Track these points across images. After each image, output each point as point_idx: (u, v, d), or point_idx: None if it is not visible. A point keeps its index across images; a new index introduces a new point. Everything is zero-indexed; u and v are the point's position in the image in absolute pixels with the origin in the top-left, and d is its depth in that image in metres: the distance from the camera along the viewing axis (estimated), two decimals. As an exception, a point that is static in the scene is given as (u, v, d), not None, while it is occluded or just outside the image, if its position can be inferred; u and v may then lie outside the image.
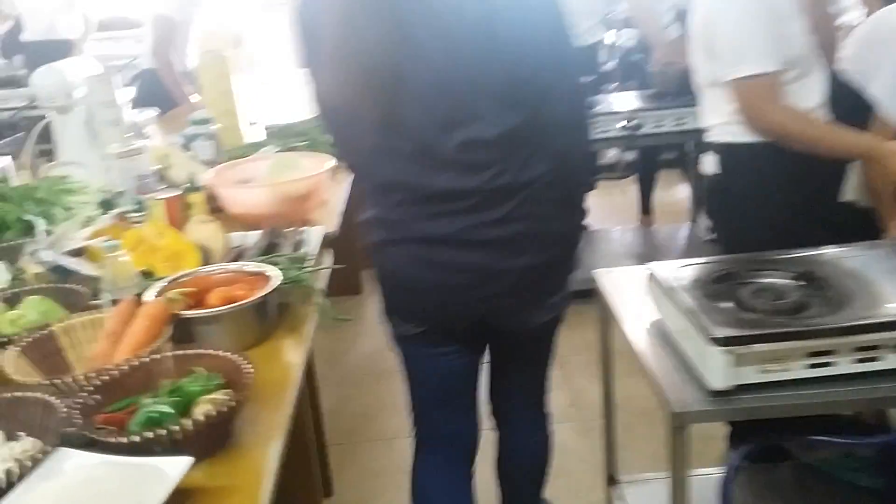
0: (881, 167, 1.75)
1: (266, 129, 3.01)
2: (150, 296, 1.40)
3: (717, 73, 1.85)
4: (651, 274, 1.65)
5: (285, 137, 2.87)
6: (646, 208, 4.33)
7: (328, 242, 1.92)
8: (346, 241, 2.09)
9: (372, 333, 3.37)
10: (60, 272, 1.48)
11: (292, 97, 4.16)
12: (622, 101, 3.45)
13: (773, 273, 1.55)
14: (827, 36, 1.94)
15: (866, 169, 1.86)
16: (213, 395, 1.11)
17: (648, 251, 3.86)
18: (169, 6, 4.00)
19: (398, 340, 1.68)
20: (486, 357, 1.74)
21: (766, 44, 1.75)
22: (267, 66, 4.73)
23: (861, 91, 2.00)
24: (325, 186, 2.05)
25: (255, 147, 2.63)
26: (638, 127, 3.23)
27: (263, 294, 1.40)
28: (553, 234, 1.50)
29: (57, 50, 5.16)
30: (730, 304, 1.41)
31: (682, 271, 1.58)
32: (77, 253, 1.63)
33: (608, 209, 4.61)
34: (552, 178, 1.45)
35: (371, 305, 3.64)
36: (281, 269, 1.55)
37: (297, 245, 1.78)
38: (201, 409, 1.06)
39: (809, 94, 1.85)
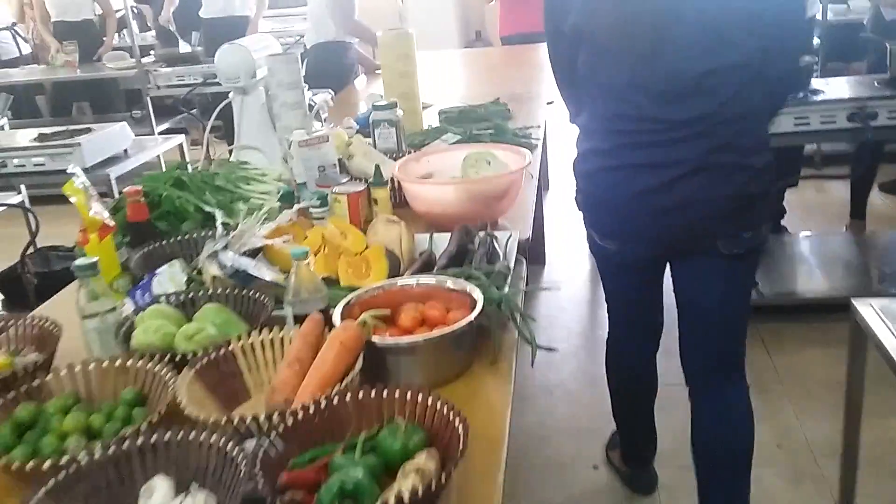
0: None
1: (441, 113, 2.80)
2: (337, 314, 1.22)
3: None
4: None
5: (464, 123, 2.66)
6: (859, 212, 3.77)
7: (522, 250, 1.69)
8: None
9: (548, 333, 3.13)
10: (241, 277, 1.33)
11: (463, 80, 3.98)
12: (848, 87, 2.97)
13: None
14: None
15: None
16: (418, 461, 0.89)
17: (861, 264, 3.36)
18: None
19: (596, 254, 1.85)
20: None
21: None
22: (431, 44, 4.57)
23: None
24: (520, 183, 1.81)
25: (435, 133, 2.42)
26: (871, 117, 2.76)
27: (469, 320, 1.18)
28: (755, 167, 1.60)
29: (234, 27, 5.23)
30: None
31: None
32: (255, 253, 1.48)
33: (803, 209, 4.11)
34: (763, 113, 1.65)
35: (549, 298, 3.42)
36: (479, 286, 1.33)
37: (490, 253, 1.54)
38: (406, 484, 0.84)
39: None
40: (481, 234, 1.60)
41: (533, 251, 3.47)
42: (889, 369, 1.45)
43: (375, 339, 1.16)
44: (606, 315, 2.04)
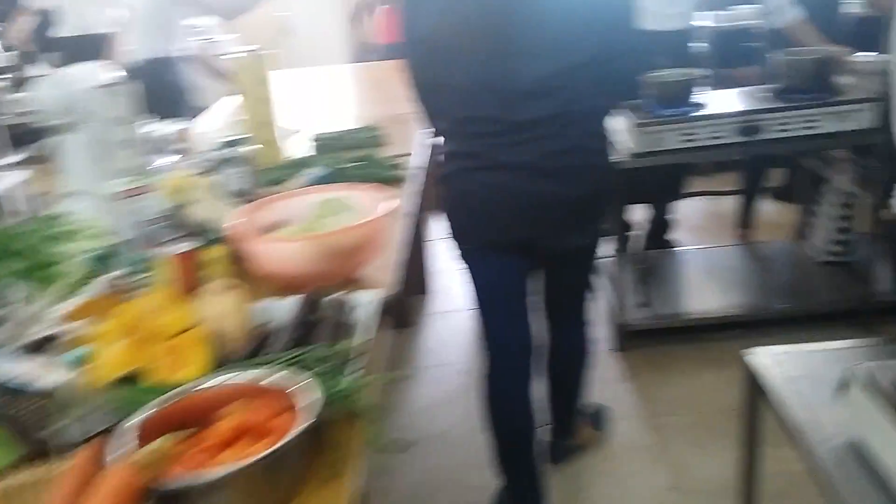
0: None
1: (313, 140, 2.55)
2: (125, 439, 0.95)
3: None
4: (854, 375, 1.16)
5: (335, 151, 2.41)
6: (747, 221, 3.73)
7: (387, 308, 1.45)
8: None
9: (432, 373, 2.90)
10: (6, 391, 1.04)
11: (342, 100, 3.72)
12: (736, 100, 2.86)
13: None
14: None
15: None
16: None
17: (752, 276, 3.29)
18: None
19: (464, 256, 1.90)
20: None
21: None
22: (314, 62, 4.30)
23: None
24: (384, 231, 1.57)
25: (297, 167, 2.17)
26: (758, 131, 2.66)
27: (285, 441, 0.93)
28: (600, 163, 1.81)
29: (92, 46, 4.80)
30: None
31: None
32: (41, 345, 1.18)
33: (691, 221, 4.02)
34: (604, 113, 1.79)
35: (426, 336, 3.18)
36: (316, 375, 1.09)
37: (341, 324, 1.30)
38: None
39: None
40: (331, 299, 1.36)
41: (412, 282, 3.29)
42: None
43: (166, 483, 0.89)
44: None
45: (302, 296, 1.35)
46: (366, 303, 1.40)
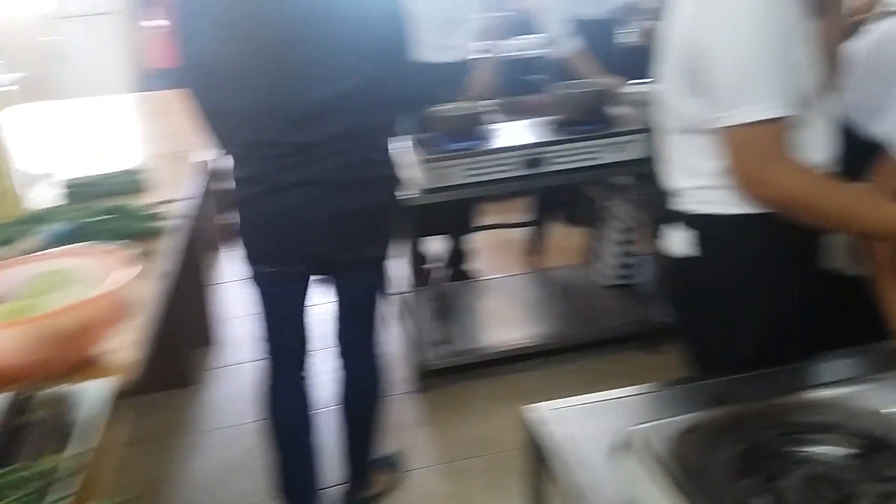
0: None
1: (66, 185, 2.24)
2: None
3: (703, 117, 1.30)
4: (628, 441, 1.11)
5: (88, 200, 2.13)
6: (537, 247, 3.79)
7: (123, 395, 1.24)
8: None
9: (215, 444, 2.65)
10: None
11: (112, 135, 3.35)
12: (518, 132, 2.86)
13: (820, 440, 1.03)
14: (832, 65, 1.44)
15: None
16: None
17: (544, 302, 3.33)
18: None
19: (256, 278, 1.94)
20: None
21: (778, 80, 1.22)
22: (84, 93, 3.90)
23: (858, 129, 1.53)
24: (124, 303, 1.35)
25: (33, 222, 1.87)
26: (538, 164, 2.67)
27: None
28: (384, 178, 1.89)
29: None
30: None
31: (673, 434, 1.05)
32: None
33: (484, 251, 3.95)
34: (385, 131, 1.89)
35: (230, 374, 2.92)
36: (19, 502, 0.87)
37: (56, 430, 1.08)
38: None
39: (816, 145, 1.34)
40: (47, 395, 1.13)
41: (195, 333, 2.99)
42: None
43: None
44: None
45: (7, 394, 1.11)
46: (94, 396, 1.18)
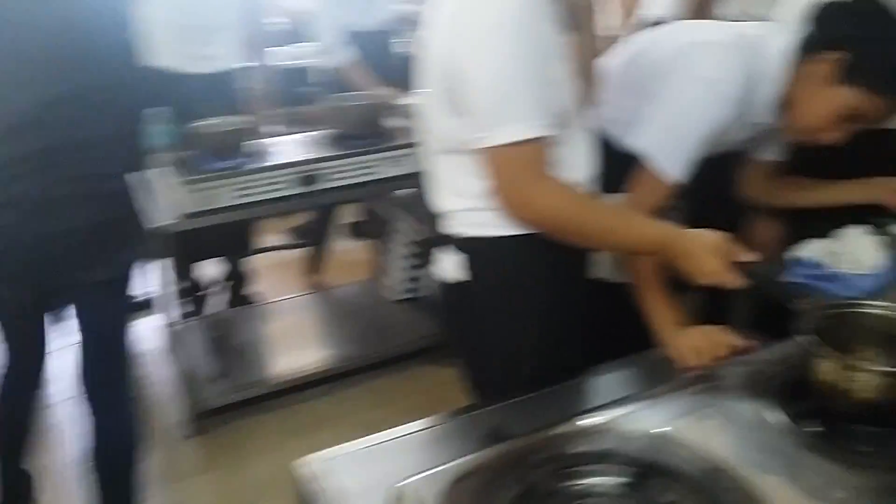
0: (688, 262, 1.24)
1: None
2: None
3: (464, 137, 1.24)
4: (400, 498, 1.03)
5: None
6: (317, 266, 3.63)
7: None
8: None
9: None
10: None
11: None
12: (291, 148, 2.71)
13: (595, 470, 1.00)
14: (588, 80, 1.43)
15: (659, 259, 1.38)
16: None
17: (331, 323, 3.20)
18: None
19: None
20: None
21: (536, 98, 1.18)
22: None
23: (615, 142, 1.54)
24: None
25: None
26: (313, 181, 2.53)
27: None
28: (107, 193, 1.73)
29: None
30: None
31: (447, 484, 0.99)
32: None
33: (266, 274, 3.71)
34: (113, 142, 1.74)
35: None
36: None
37: None
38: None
39: (577, 162, 1.32)
40: None
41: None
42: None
43: None
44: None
45: None
46: None
